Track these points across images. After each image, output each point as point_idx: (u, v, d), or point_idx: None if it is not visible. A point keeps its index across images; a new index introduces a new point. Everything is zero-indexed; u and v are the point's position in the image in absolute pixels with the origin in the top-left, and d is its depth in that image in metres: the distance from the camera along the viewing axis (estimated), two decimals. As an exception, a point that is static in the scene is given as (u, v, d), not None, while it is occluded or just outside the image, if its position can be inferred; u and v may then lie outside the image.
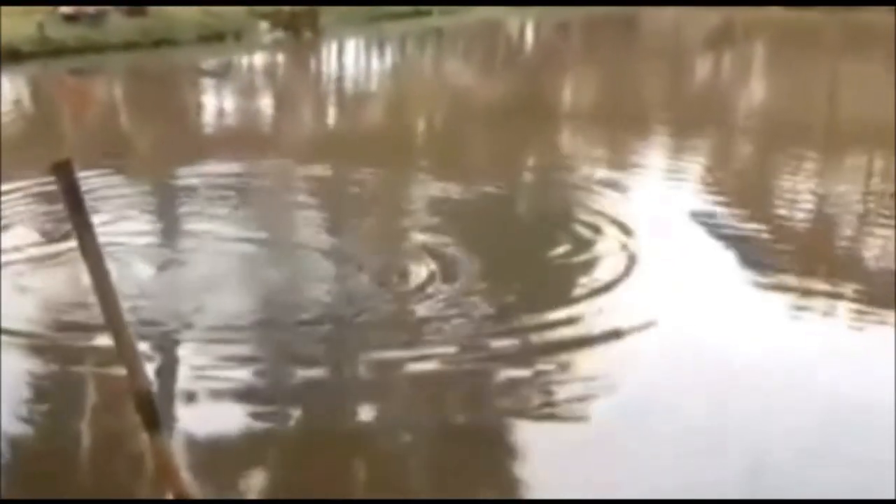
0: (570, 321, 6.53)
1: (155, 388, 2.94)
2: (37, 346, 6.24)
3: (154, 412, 2.82)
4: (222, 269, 7.64)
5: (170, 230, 9.09)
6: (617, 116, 15.80)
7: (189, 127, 15.59)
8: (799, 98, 17.97)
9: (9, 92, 19.03)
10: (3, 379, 5.59)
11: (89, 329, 6.08)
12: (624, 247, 8.14)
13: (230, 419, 5.27)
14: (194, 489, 3.02)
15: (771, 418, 5.20)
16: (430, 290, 7.03)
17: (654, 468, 4.77)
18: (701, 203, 9.93)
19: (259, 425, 5.29)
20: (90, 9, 23.58)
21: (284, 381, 5.84)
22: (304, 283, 7.47)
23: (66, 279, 7.20)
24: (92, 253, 2.78)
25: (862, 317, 6.83)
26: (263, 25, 26.61)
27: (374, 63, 25.44)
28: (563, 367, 5.89)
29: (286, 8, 26.55)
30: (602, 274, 7.47)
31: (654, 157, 12.79)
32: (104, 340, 5.77)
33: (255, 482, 4.83)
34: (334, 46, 26.66)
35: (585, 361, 6.01)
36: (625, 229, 8.63)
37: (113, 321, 2.78)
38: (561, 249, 8.06)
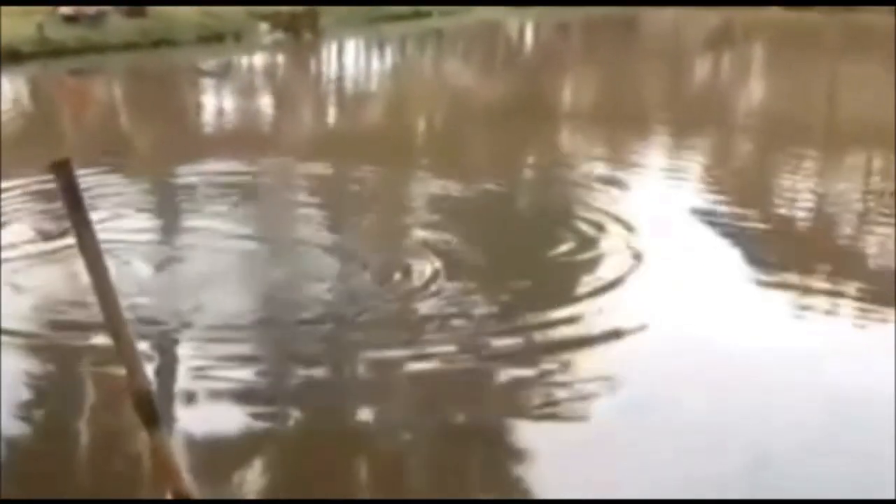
0: (571, 320, 6.51)
1: (154, 387, 2.93)
2: (34, 345, 6.22)
3: (153, 410, 2.80)
4: (222, 267, 7.62)
5: (169, 228, 9.09)
6: (617, 116, 15.80)
7: (188, 127, 15.59)
8: (799, 98, 17.97)
9: (8, 92, 19.03)
10: (2, 379, 5.58)
11: (87, 327, 6.07)
12: (624, 245, 8.13)
13: (229, 419, 5.25)
14: (194, 488, 3.01)
15: (773, 416, 5.19)
16: (430, 288, 7.01)
17: (656, 465, 4.76)
18: (701, 202, 9.92)
19: (258, 425, 5.28)
20: (90, 9, 23.58)
21: (284, 380, 5.83)
22: (304, 281, 7.45)
23: (64, 277, 7.19)
24: (91, 251, 2.77)
25: (863, 314, 6.83)
26: (263, 26, 26.61)
27: (374, 64, 25.45)
28: (565, 366, 5.88)
29: (286, 9, 26.56)
30: (603, 272, 7.46)
31: (655, 156, 12.79)
32: (102, 339, 5.79)
33: (254, 482, 4.81)
34: (334, 47, 26.67)
35: (586, 360, 5.99)
36: (625, 228, 8.63)
37: (112, 319, 2.77)
38: (561, 248, 8.06)
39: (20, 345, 6.14)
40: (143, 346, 5.64)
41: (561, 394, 5.53)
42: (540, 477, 4.77)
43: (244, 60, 24.68)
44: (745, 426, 5.11)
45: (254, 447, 5.04)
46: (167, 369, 5.82)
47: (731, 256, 8.05)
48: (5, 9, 21.46)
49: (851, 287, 7.28)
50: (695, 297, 7.01)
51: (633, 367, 5.86)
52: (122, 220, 8.89)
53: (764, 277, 7.50)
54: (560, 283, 7.29)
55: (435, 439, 5.17)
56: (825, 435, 5.03)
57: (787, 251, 8.23)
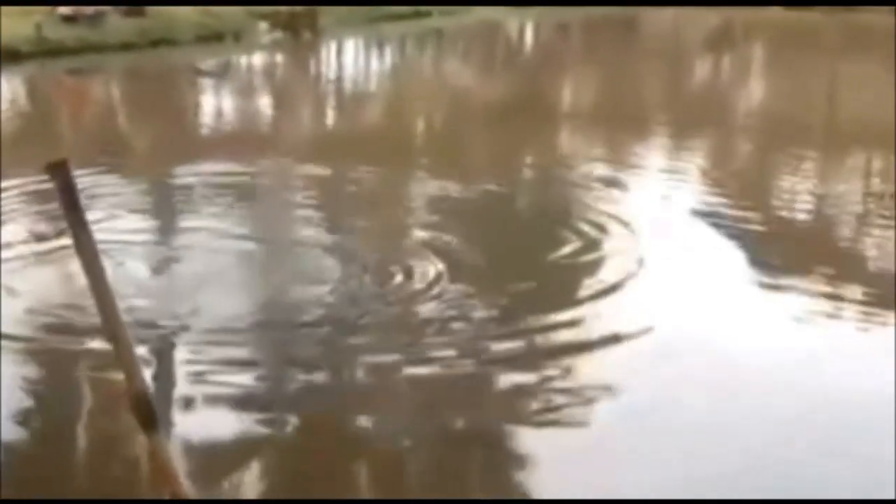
0: (571, 323, 6.47)
1: (151, 390, 2.91)
2: (30, 348, 6.17)
3: (151, 413, 2.78)
4: (219, 268, 7.57)
5: (167, 229, 9.06)
6: (617, 116, 15.78)
7: (187, 127, 15.56)
8: (799, 98, 17.95)
9: (7, 92, 19.01)
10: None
11: (83, 331, 6.04)
12: (624, 247, 8.11)
13: (226, 423, 5.21)
14: (192, 490, 2.99)
15: (775, 419, 5.17)
16: (430, 291, 6.97)
17: (656, 467, 4.74)
18: (701, 203, 9.89)
19: (256, 429, 5.23)
20: (88, 9, 23.55)
21: (282, 384, 5.78)
22: (302, 283, 7.40)
23: (60, 278, 7.16)
24: (88, 253, 2.74)
25: (863, 317, 6.80)
26: (262, 26, 26.59)
27: (374, 64, 25.43)
28: (565, 371, 5.83)
29: (285, 8, 26.53)
30: (603, 275, 7.43)
31: (655, 157, 12.77)
32: (98, 342, 5.77)
33: (251, 486, 4.78)
34: (333, 47, 26.64)
35: (587, 365, 5.95)
36: (625, 229, 8.60)
37: (109, 321, 2.74)
38: (561, 249, 8.02)
39: (16, 349, 6.08)
40: (140, 349, 5.60)
41: (561, 399, 5.49)
42: (540, 482, 4.74)
43: (243, 60, 24.66)
44: (745, 429, 5.08)
45: (251, 452, 5.00)
46: (164, 373, 5.78)
47: (731, 259, 8.03)
48: (4, 8, 21.44)
49: (852, 289, 7.26)
50: (695, 299, 6.98)
51: (634, 371, 5.83)
52: (119, 220, 8.87)
53: (764, 280, 7.47)
54: (560, 286, 7.25)
55: (434, 444, 5.13)
56: (826, 438, 5.01)
57: (787, 253, 8.20)
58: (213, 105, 18.49)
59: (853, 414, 5.22)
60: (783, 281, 7.45)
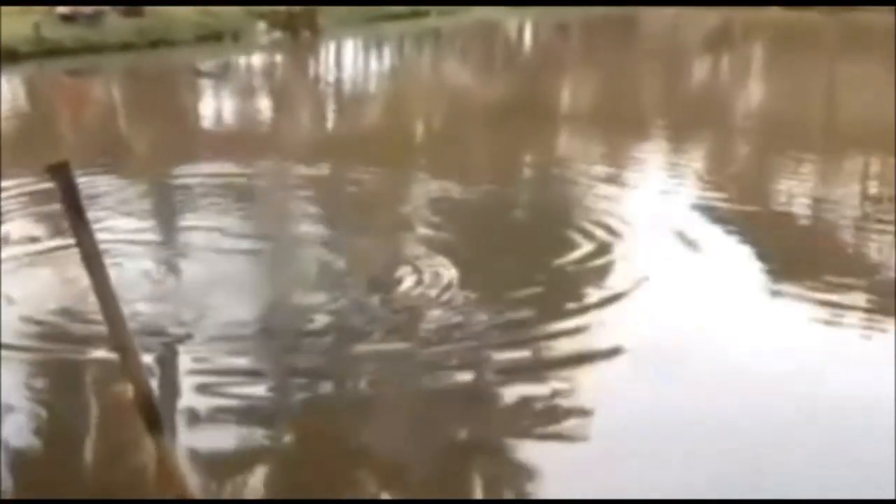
0: (575, 331, 6.39)
1: (156, 394, 2.90)
2: (25, 357, 6.11)
3: (155, 413, 2.78)
4: (221, 271, 7.51)
5: (167, 230, 9.03)
6: (616, 117, 15.76)
7: (186, 127, 15.54)
8: (798, 99, 17.94)
9: (6, 92, 18.99)
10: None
11: (82, 337, 6.01)
12: (625, 252, 8.06)
13: (228, 432, 5.18)
14: (196, 490, 2.98)
15: (776, 425, 5.16)
16: (430, 297, 6.90)
17: (657, 467, 4.74)
18: (701, 205, 9.84)
19: (258, 439, 5.18)
20: (87, 9, 23.55)
21: (285, 393, 5.71)
22: (306, 288, 7.31)
23: (58, 281, 7.13)
24: (90, 254, 2.73)
25: (863, 322, 6.77)
26: (261, 26, 26.58)
27: (373, 64, 25.41)
28: (568, 381, 5.76)
29: (284, 8, 26.53)
30: (605, 281, 7.34)
31: (654, 157, 12.73)
32: (97, 347, 5.76)
33: (253, 495, 4.74)
34: (332, 47, 26.63)
35: (590, 375, 5.88)
36: (625, 233, 8.57)
37: (113, 323, 2.74)
38: (564, 253, 7.97)
39: (11, 357, 6.02)
40: (143, 355, 5.54)
41: (565, 408, 5.42)
42: (541, 495, 4.70)
43: (242, 60, 24.64)
44: (747, 432, 5.07)
45: (252, 462, 4.93)
46: (168, 380, 5.71)
47: (731, 264, 7.98)
48: (3, 8, 21.43)
49: (852, 295, 7.23)
50: (697, 306, 6.94)
51: (634, 373, 5.80)
52: (118, 221, 8.85)
53: (765, 285, 7.43)
54: (564, 292, 7.14)
55: (436, 455, 5.07)
56: (826, 443, 5.00)
57: (787, 258, 8.16)
58: (213, 105, 18.48)
59: (854, 419, 5.21)
60: (784, 287, 7.42)
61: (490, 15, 32.90)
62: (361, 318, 6.57)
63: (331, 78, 22.55)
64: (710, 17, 32.72)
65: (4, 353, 5.95)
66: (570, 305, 6.82)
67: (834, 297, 7.12)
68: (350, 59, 26.05)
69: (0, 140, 12.54)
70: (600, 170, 11.62)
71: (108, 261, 2.96)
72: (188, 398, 5.45)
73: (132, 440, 4.64)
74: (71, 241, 2.83)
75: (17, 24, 21.57)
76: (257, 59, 24.98)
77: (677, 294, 7.10)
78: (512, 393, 5.61)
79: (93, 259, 2.74)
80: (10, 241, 8.30)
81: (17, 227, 8.76)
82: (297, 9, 26.65)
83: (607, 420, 5.26)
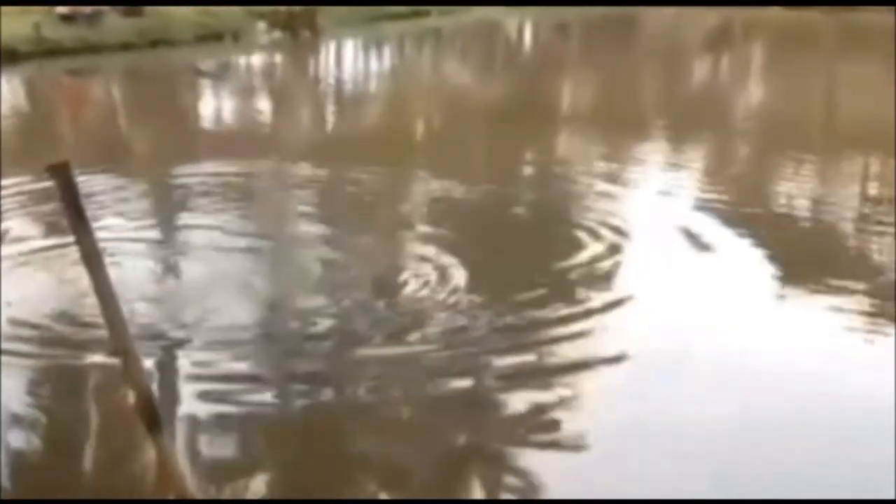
0: (577, 336, 6.35)
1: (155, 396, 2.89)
2: (18, 362, 6.08)
3: (155, 414, 2.78)
4: (221, 272, 7.49)
5: (167, 230, 9.02)
6: (616, 117, 15.76)
7: (186, 127, 15.53)
8: (798, 99, 17.93)
9: (6, 92, 18.99)
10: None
11: (81, 341, 5.99)
12: (624, 254, 8.03)
13: (228, 436, 5.17)
14: (195, 489, 2.98)
15: (777, 427, 5.15)
16: (430, 299, 6.86)
17: (657, 464, 4.75)
18: (701, 207, 9.81)
19: (257, 442, 5.17)
20: (86, 9, 23.55)
21: (286, 396, 5.67)
22: (303, 290, 7.27)
23: (56, 282, 7.12)
24: (90, 254, 2.73)
25: (864, 324, 6.77)
26: (261, 26, 26.58)
27: (373, 63, 25.40)
28: (567, 386, 5.74)
29: (284, 8, 26.53)
30: (607, 284, 7.32)
31: (655, 157, 12.72)
32: (94, 352, 5.75)
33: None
34: (332, 47, 26.63)
35: (588, 379, 5.86)
36: (624, 234, 8.55)
37: (112, 323, 2.74)
38: (563, 254, 7.95)
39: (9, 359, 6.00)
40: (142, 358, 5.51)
41: (565, 416, 5.41)
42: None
43: (242, 60, 24.64)
44: (748, 433, 5.07)
45: (251, 464, 4.92)
46: (167, 383, 5.67)
47: (731, 266, 7.96)
48: (2, 8, 21.43)
49: (853, 297, 7.22)
50: (696, 305, 6.94)
51: (635, 376, 5.79)
52: (118, 221, 8.85)
53: (766, 287, 7.41)
54: (567, 296, 7.08)
55: (436, 461, 5.04)
56: (826, 444, 5.01)
57: (789, 260, 8.12)
58: (212, 105, 18.47)
59: (855, 420, 5.21)
60: (785, 289, 7.41)
61: (490, 15, 32.91)
62: (362, 322, 6.54)
63: (331, 78, 22.54)
64: (710, 16, 32.72)
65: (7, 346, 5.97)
66: (573, 309, 6.77)
67: (836, 300, 7.11)
68: (350, 59, 26.05)
69: (0, 140, 12.54)
70: (600, 170, 11.61)
71: (107, 260, 2.96)
72: (188, 403, 5.42)
73: (131, 445, 4.65)
74: (70, 240, 2.83)
75: (16, 24, 21.57)
76: (257, 59, 24.98)
77: (678, 296, 7.09)
78: (514, 399, 5.56)
79: (93, 259, 2.74)
80: (8, 240, 8.30)
81: (17, 227, 8.77)
82: (297, 9, 26.65)
83: (608, 425, 5.24)
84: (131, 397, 2.75)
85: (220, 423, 5.26)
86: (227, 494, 4.58)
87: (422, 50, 28.69)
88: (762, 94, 20.02)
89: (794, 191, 10.81)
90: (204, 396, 5.48)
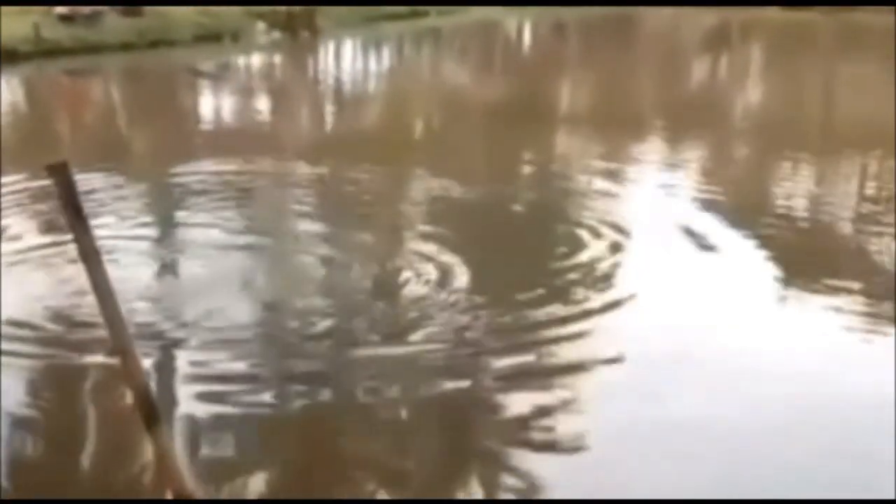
0: (576, 336, 6.35)
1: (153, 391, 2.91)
2: (27, 357, 6.09)
3: (153, 409, 2.79)
4: (221, 272, 7.49)
5: (166, 230, 9.03)
6: (615, 117, 15.76)
7: (185, 127, 15.53)
8: (797, 100, 17.93)
9: (5, 92, 19.00)
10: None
11: (81, 344, 5.99)
12: (624, 254, 8.02)
13: (225, 434, 5.18)
14: (194, 486, 3.00)
15: (778, 428, 5.17)
16: (431, 298, 6.86)
17: (656, 467, 4.76)
18: (701, 208, 9.81)
19: (255, 442, 5.19)
20: (85, 9, 23.56)
21: (284, 397, 5.68)
22: (302, 290, 7.26)
23: (54, 281, 7.13)
24: (89, 253, 2.75)
25: (864, 324, 6.77)
26: (260, 26, 26.60)
27: (372, 64, 25.41)
28: (570, 388, 5.74)
29: (283, 8, 26.55)
30: (608, 285, 7.29)
31: (653, 158, 12.72)
32: (90, 353, 5.76)
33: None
34: (331, 47, 26.63)
35: (587, 380, 5.87)
36: (623, 234, 8.55)
37: (111, 320, 2.76)
38: (562, 254, 7.95)
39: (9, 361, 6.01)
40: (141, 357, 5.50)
41: (564, 418, 5.41)
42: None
43: (241, 60, 24.64)
44: (748, 436, 5.09)
45: (249, 464, 4.91)
46: (164, 382, 5.66)
47: (731, 267, 7.95)
48: (2, 8, 21.45)
49: (853, 297, 7.23)
50: (696, 306, 6.95)
51: (634, 376, 5.80)
52: (116, 220, 8.86)
53: (766, 287, 7.42)
54: (566, 296, 7.09)
55: (436, 464, 5.05)
56: (827, 444, 5.02)
57: (789, 260, 8.12)
58: (212, 105, 18.48)
59: (855, 421, 5.22)
60: (785, 289, 7.41)
61: (489, 15, 32.94)
62: (361, 321, 6.54)
63: (330, 78, 22.54)
64: (709, 17, 32.74)
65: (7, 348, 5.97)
66: (572, 309, 6.76)
67: (835, 300, 7.11)
68: (349, 59, 26.05)
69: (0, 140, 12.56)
70: (598, 170, 11.61)
71: (105, 259, 2.98)
72: (185, 402, 5.41)
73: (129, 444, 4.67)
74: (68, 239, 2.85)
75: (16, 25, 21.58)
76: (256, 60, 24.98)
77: (677, 296, 7.08)
78: (512, 399, 5.55)
79: (91, 257, 2.76)
80: (6, 238, 8.32)
81: (16, 225, 8.78)
82: (296, 9, 26.67)
83: (608, 426, 5.24)
84: (129, 395, 2.76)
85: (218, 423, 5.25)
86: (224, 495, 4.58)
87: (421, 50, 28.70)
88: (760, 95, 20.03)
89: (793, 191, 10.81)
90: (201, 396, 5.48)
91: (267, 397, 5.60)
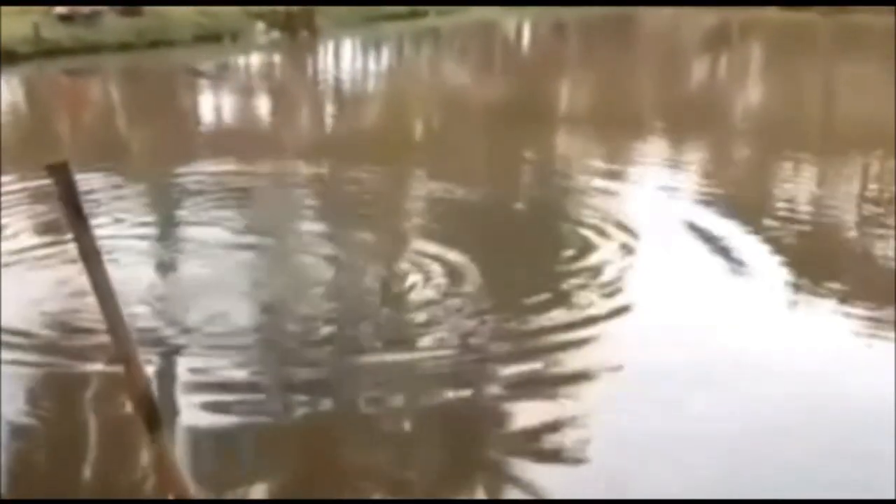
0: (580, 343, 6.29)
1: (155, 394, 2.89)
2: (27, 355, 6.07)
3: (154, 411, 2.77)
4: (222, 273, 7.47)
5: (166, 230, 9.02)
6: (614, 118, 15.75)
7: (185, 127, 15.52)
8: (797, 100, 17.93)
9: (5, 92, 18.98)
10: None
11: (81, 350, 5.98)
12: (624, 255, 8.00)
13: (228, 444, 5.16)
14: (194, 489, 2.98)
15: (778, 428, 5.16)
16: (433, 302, 6.83)
17: (658, 459, 4.76)
18: (701, 208, 9.80)
19: (256, 450, 5.16)
20: (84, 9, 23.54)
21: (285, 404, 5.65)
22: (303, 293, 7.23)
23: (53, 282, 7.12)
24: (89, 253, 2.73)
25: (865, 326, 6.76)
26: (260, 26, 26.59)
27: (371, 64, 25.40)
28: (573, 396, 5.71)
29: (282, 8, 26.54)
30: (606, 287, 7.27)
31: (654, 158, 12.71)
32: (89, 361, 5.74)
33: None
34: (331, 47, 26.62)
35: (589, 388, 5.85)
36: (623, 234, 8.53)
37: (112, 321, 2.73)
38: (565, 257, 7.93)
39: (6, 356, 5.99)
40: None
41: (567, 428, 5.39)
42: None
43: (240, 60, 24.63)
44: (748, 436, 5.08)
45: (249, 473, 4.89)
46: (165, 387, 5.62)
47: (731, 268, 7.96)
48: (1, 8, 21.43)
49: (853, 299, 7.22)
50: (697, 306, 6.94)
51: (635, 380, 5.78)
52: (116, 220, 8.85)
53: (767, 289, 7.41)
54: (569, 301, 7.05)
55: (435, 471, 5.04)
56: (828, 445, 5.02)
57: (790, 261, 8.12)
58: (211, 105, 18.47)
59: (855, 421, 5.21)
60: (785, 291, 7.41)
61: (488, 15, 32.92)
62: (364, 326, 6.50)
63: (329, 78, 22.53)
64: (708, 17, 32.73)
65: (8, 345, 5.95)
66: (578, 314, 6.71)
67: (837, 302, 7.11)
68: (348, 59, 26.04)
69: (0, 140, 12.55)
70: (599, 170, 11.60)
71: (105, 259, 2.96)
72: (186, 411, 5.38)
73: (130, 448, 4.65)
74: (68, 240, 2.83)
75: (15, 25, 21.56)
76: (256, 60, 24.97)
77: (678, 298, 7.08)
78: (517, 409, 5.51)
79: (92, 258, 2.74)
80: (6, 238, 8.31)
81: (15, 224, 8.77)
82: (295, 9, 26.66)
83: (609, 434, 5.23)
84: (130, 402, 2.74)
85: (218, 432, 5.23)
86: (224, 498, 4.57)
87: (420, 50, 28.69)
88: (760, 95, 20.03)
89: (794, 192, 10.80)
90: (202, 405, 5.44)
91: (267, 404, 5.55)
